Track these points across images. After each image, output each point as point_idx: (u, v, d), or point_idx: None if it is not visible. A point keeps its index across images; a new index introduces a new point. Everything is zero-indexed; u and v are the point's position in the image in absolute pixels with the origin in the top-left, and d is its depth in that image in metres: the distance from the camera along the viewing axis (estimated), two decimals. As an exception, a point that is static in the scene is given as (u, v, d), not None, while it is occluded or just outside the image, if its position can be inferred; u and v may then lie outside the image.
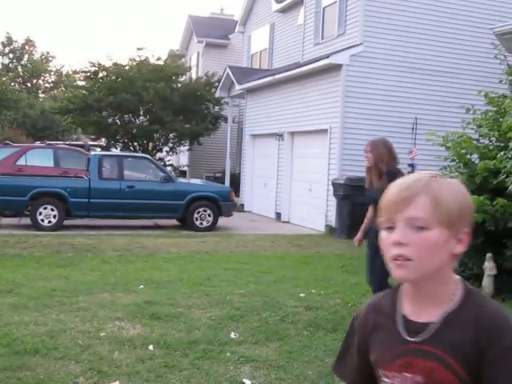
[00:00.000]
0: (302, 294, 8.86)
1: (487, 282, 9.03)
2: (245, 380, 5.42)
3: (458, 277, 1.80)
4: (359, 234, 7.59)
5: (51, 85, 71.17)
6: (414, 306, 1.78)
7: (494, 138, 10.03)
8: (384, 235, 1.74)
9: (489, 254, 9.05)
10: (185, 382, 5.35)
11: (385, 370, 1.79)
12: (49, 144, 22.23)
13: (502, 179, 8.76)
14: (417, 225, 1.68)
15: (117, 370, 5.58)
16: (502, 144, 9.60)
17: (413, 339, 1.73)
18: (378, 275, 6.68)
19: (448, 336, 1.70)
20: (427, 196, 1.69)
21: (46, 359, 5.80)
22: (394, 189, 1.74)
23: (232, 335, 6.70)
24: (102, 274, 10.22)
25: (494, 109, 10.11)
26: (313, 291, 9.15)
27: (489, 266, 9.01)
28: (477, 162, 9.92)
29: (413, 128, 11.93)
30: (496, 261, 9.02)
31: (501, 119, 9.77)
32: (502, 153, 8.83)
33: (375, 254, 6.57)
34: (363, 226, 7.58)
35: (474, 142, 10.06)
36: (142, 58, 27.72)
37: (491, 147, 9.98)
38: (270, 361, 5.93)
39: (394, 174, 6.20)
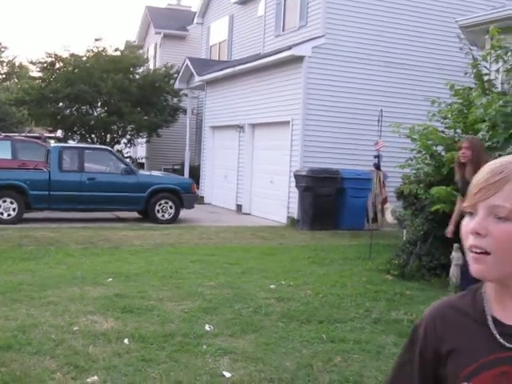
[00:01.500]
0: (272, 286, 8.85)
1: (454, 272, 9.11)
2: (224, 372, 5.39)
3: None
4: (450, 227, 7.91)
5: (3, 76, 70.01)
6: (506, 308, 1.54)
7: (459, 130, 10.12)
8: (465, 222, 1.56)
9: (456, 244, 9.10)
10: (164, 375, 5.29)
11: (470, 381, 1.52)
12: (6, 136, 21.89)
13: (469, 170, 8.84)
14: (499, 215, 1.48)
15: (94, 364, 5.51)
16: (468, 135, 9.68)
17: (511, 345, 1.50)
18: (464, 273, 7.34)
19: None
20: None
21: (20, 355, 5.70)
22: (485, 172, 1.54)
23: (207, 327, 6.66)
24: (68, 268, 10.08)
25: (460, 101, 10.20)
26: (282, 282, 9.15)
27: (456, 256, 9.08)
28: (443, 153, 10.01)
29: (378, 120, 11.97)
30: (463, 251, 9.11)
31: (465, 111, 9.87)
32: (469, 144, 8.89)
33: None
34: (453, 218, 7.84)
35: (440, 134, 10.15)
36: (100, 49, 27.37)
37: (457, 138, 10.07)
38: (248, 353, 5.91)
39: None
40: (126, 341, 6.15)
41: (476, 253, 1.49)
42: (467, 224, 1.53)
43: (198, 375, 5.31)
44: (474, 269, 1.50)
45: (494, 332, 1.52)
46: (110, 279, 9.08)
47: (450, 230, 7.94)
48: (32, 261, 10.75)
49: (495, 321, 1.54)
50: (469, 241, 1.51)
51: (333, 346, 6.17)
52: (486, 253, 1.47)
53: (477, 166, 7.30)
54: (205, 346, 6.05)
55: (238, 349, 6.02)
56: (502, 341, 1.50)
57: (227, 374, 5.35)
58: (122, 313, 7.17)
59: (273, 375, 5.38)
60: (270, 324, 6.92)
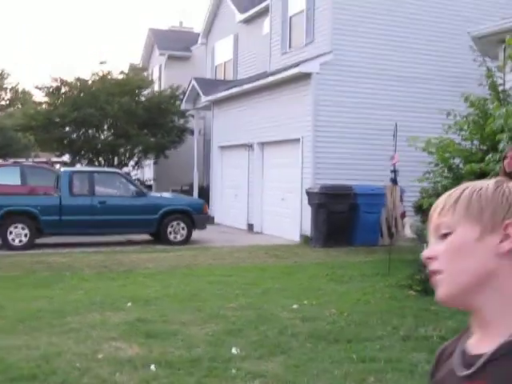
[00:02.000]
0: (294, 306, 8.71)
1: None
2: (257, 397, 5.26)
3: None
4: None
5: (7, 102, 70.17)
6: (477, 336, 1.43)
7: (476, 142, 10.02)
8: None
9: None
10: (196, 401, 5.16)
11: None
12: (15, 162, 21.85)
13: (491, 182, 8.72)
14: (442, 232, 1.41)
15: (122, 392, 5.38)
16: (486, 147, 9.59)
17: (463, 373, 1.38)
18: None
19: (499, 371, 1.32)
20: (448, 199, 1.43)
21: (46, 384, 5.57)
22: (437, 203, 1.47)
23: (234, 351, 6.52)
24: (86, 293, 9.96)
25: (476, 112, 10.10)
26: (305, 302, 9.00)
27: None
28: (460, 165, 9.91)
29: (394, 134, 11.87)
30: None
31: (482, 122, 9.78)
32: (489, 155, 8.80)
33: None
34: None
35: (457, 146, 10.06)
36: (105, 73, 27.38)
37: (474, 150, 9.98)
38: (279, 376, 5.78)
39: None
40: (152, 367, 6.01)
41: (433, 278, 1.42)
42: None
43: (231, 401, 5.18)
44: (436, 296, 1.42)
45: (454, 363, 1.43)
46: (129, 304, 8.94)
47: None
48: (47, 287, 10.62)
49: (464, 352, 1.44)
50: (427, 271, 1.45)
51: (364, 366, 6.03)
52: (439, 272, 1.40)
53: None
54: (234, 370, 5.91)
55: (268, 372, 5.88)
56: (458, 371, 1.40)
57: (261, 399, 5.22)
58: (145, 338, 7.03)
59: (307, 398, 5.25)
60: (297, 345, 6.78)
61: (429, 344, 6.75)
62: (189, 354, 6.43)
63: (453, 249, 1.38)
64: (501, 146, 8.49)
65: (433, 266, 1.40)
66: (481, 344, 1.38)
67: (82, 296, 9.69)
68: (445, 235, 1.40)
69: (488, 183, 1.42)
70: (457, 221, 1.39)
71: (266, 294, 9.70)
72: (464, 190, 1.41)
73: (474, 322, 1.43)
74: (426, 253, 1.42)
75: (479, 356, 1.35)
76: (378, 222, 15.40)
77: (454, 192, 1.43)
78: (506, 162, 7.42)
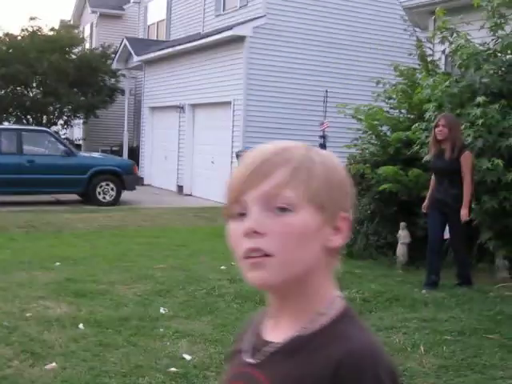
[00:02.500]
0: (222, 267, 8.83)
1: (401, 251, 9.25)
2: (184, 355, 5.37)
3: (337, 292, 1.37)
4: (426, 202, 7.99)
5: None
6: (273, 321, 1.33)
7: (404, 110, 10.26)
8: (232, 227, 1.28)
9: (402, 223, 9.27)
10: (124, 359, 5.24)
11: None
12: None
13: (416, 150, 8.97)
14: (277, 205, 1.21)
15: (51, 350, 5.42)
16: (413, 116, 9.83)
17: (250, 360, 1.30)
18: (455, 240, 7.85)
19: (285, 364, 1.24)
20: (290, 168, 1.21)
21: (-27, 342, 5.58)
22: (245, 162, 1.26)
23: (162, 310, 6.63)
24: (13, 252, 9.92)
25: (404, 81, 10.32)
26: (232, 263, 9.12)
27: (402, 235, 9.23)
28: (388, 133, 10.13)
29: (324, 101, 12.04)
30: (409, 229, 9.26)
31: (410, 91, 10.00)
32: (416, 124, 9.03)
33: (440, 216, 7.74)
34: (429, 194, 7.99)
35: (385, 114, 10.27)
36: (35, 29, 26.77)
37: (402, 119, 10.21)
38: (206, 335, 5.90)
39: (463, 148, 7.59)
40: (81, 326, 6.07)
41: (254, 257, 1.22)
42: (236, 229, 1.26)
43: (158, 359, 5.28)
44: (253, 277, 1.24)
45: (243, 345, 1.34)
46: (58, 263, 8.95)
47: (426, 205, 8.03)
48: (-27, 246, 10.54)
49: (257, 334, 1.34)
50: (244, 245, 1.23)
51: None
52: (267, 255, 1.21)
53: (453, 143, 7.53)
54: (162, 329, 6.02)
55: (196, 331, 6.01)
56: (245, 356, 1.31)
57: (187, 357, 5.33)
58: (74, 297, 7.07)
59: (232, 357, 5.38)
60: (224, 305, 6.92)
61: (352, 306, 6.95)
62: (117, 313, 6.51)
63: (292, 234, 1.21)
64: (427, 115, 8.73)
65: (258, 243, 1.21)
66: (274, 331, 1.30)
67: (10, 255, 9.65)
68: (282, 209, 1.21)
69: (321, 153, 1.29)
70: (300, 200, 1.21)
71: (195, 256, 9.83)
72: (298, 158, 1.23)
73: (273, 306, 1.32)
74: (251, 224, 1.21)
75: (269, 343, 1.28)
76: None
77: (283, 153, 1.24)
78: (437, 129, 7.65)
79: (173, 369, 5.06)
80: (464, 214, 7.53)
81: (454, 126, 7.62)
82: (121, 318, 6.30)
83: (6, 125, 23.61)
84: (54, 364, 5.12)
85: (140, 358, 5.30)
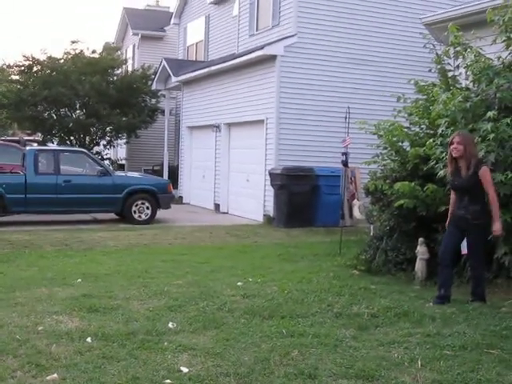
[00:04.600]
0: (239, 283, 8.96)
1: (420, 266, 9.28)
2: (182, 368, 5.49)
3: None
4: (448, 218, 8.07)
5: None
6: None
7: (424, 126, 10.29)
8: None
9: (421, 239, 9.30)
10: (122, 371, 5.38)
11: None
12: (-17, 140, 21.92)
13: (432, 165, 9.02)
14: None
15: (55, 362, 5.59)
16: (432, 131, 9.84)
17: None
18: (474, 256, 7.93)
19: None
20: None
21: (-17, 355, 5.79)
22: None
23: (170, 325, 6.76)
24: (40, 270, 10.20)
25: (424, 97, 10.36)
26: (250, 279, 9.27)
27: (421, 251, 9.26)
28: (408, 149, 10.16)
29: (345, 117, 12.12)
30: (428, 245, 9.27)
31: (430, 107, 10.02)
32: (431, 140, 9.07)
33: (458, 233, 7.82)
34: (450, 212, 8.08)
35: (405, 130, 10.31)
36: (77, 52, 27.40)
37: (421, 134, 10.23)
38: (207, 348, 6.02)
39: (480, 163, 7.62)
40: (88, 339, 6.23)
41: None
42: None
43: (156, 371, 5.40)
44: None
45: None
46: (79, 280, 9.18)
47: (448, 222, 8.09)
48: (5, 263, 10.86)
49: None
50: None
51: (292, 341, 6.28)
52: None
53: (468, 159, 7.58)
54: (166, 343, 6.14)
55: (198, 345, 6.12)
56: None
57: (184, 370, 5.45)
58: (87, 312, 7.25)
59: (229, 370, 5.48)
60: (232, 320, 7.02)
61: (359, 321, 7.02)
62: (126, 327, 6.66)
63: None
64: (439, 130, 8.76)
65: None
66: None
67: (36, 272, 9.92)
68: None
69: None
70: None
71: (215, 272, 9.96)
72: None
73: None
74: None
75: None
76: (339, 204, 15.67)
77: None
78: (452, 147, 7.69)
79: (167, 381, 5.17)
80: (497, 228, 7.53)
81: (468, 142, 7.66)
82: (128, 333, 6.44)
83: (44, 146, 24.13)
84: (55, 375, 5.28)
85: (138, 370, 5.43)
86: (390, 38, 18.30)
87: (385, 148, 10.56)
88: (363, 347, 6.10)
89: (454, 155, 7.73)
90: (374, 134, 10.66)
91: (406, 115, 10.65)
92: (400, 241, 9.84)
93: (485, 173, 7.53)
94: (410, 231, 9.75)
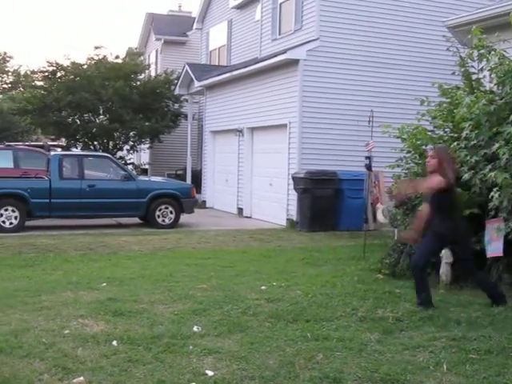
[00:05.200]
0: (263, 287, 8.99)
1: (444, 270, 9.23)
2: (207, 371, 5.52)
3: None
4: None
5: (9, 85, 70.24)
6: None
7: (448, 129, 10.25)
8: None
9: (445, 243, 9.24)
10: (148, 375, 5.42)
11: None
12: (8, 145, 22.12)
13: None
14: None
15: (81, 366, 5.65)
16: (456, 135, 9.80)
17: None
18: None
19: None
20: None
21: (11, 358, 5.84)
22: None
23: (195, 329, 6.79)
24: (65, 273, 10.28)
25: (448, 100, 10.32)
26: (274, 284, 9.28)
27: (445, 254, 9.20)
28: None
29: (369, 121, 12.11)
30: (452, 249, 9.22)
31: (454, 110, 9.98)
32: (455, 143, 9.03)
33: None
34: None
35: (429, 133, 10.28)
36: (100, 57, 27.59)
37: (445, 138, 10.19)
38: (232, 352, 6.04)
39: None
40: (114, 343, 6.28)
41: None
42: None
43: (181, 374, 5.44)
44: None
45: None
46: (104, 284, 9.24)
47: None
48: (30, 267, 10.97)
49: None
50: None
51: (316, 344, 6.29)
52: None
53: (443, 173, 7.52)
54: (191, 347, 6.18)
55: (223, 348, 6.15)
56: None
57: (210, 373, 5.48)
58: (112, 316, 7.30)
59: (255, 373, 5.50)
60: (256, 324, 7.05)
61: (383, 325, 7.02)
62: (151, 331, 6.70)
63: None
64: (463, 134, 8.73)
65: None
66: None
67: (61, 276, 10.00)
68: None
69: None
70: None
71: (239, 276, 9.97)
72: None
73: None
74: None
75: None
76: (363, 207, 15.64)
77: None
78: (426, 160, 7.76)
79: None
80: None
81: (442, 156, 7.64)
82: (153, 336, 6.49)
83: (68, 152, 24.32)
84: (81, 378, 5.33)
85: (164, 373, 5.47)
86: (414, 41, 18.25)
87: (408, 151, 10.53)
88: (388, 351, 6.10)
89: (428, 169, 7.81)
90: (398, 137, 10.65)
91: (429, 118, 10.62)
92: (424, 244, 9.78)
93: (438, 182, 7.60)
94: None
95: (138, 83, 27.90)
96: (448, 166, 7.59)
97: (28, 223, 16.41)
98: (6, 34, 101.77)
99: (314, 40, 17.44)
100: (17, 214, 16.00)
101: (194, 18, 29.61)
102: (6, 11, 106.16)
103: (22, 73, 66.25)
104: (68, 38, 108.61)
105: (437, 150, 7.77)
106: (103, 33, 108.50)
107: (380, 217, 12.43)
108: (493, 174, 8.03)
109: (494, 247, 8.32)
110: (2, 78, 70.49)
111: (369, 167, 12.31)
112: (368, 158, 12.24)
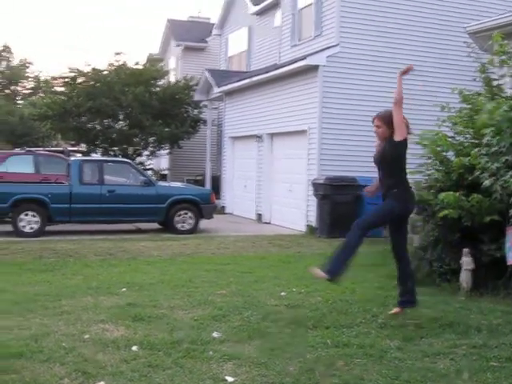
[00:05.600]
0: (283, 293, 8.98)
1: (465, 277, 9.19)
2: (227, 377, 5.51)
3: None
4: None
5: (30, 91, 70.73)
6: None
7: (468, 135, 10.20)
8: None
9: (466, 249, 9.19)
10: (168, 380, 5.42)
11: None
12: (29, 150, 22.26)
13: (477, 175, 8.94)
14: None
15: (101, 370, 5.66)
16: (477, 141, 9.76)
17: None
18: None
19: None
20: None
21: (31, 362, 5.86)
22: None
23: (215, 334, 6.79)
24: (85, 278, 10.31)
25: (469, 106, 10.27)
26: (293, 290, 9.27)
27: (466, 261, 9.16)
28: (453, 158, 10.08)
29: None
30: (473, 255, 9.17)
31: (475, 116, 9.94)
32: (476, 149, 8.99)
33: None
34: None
35: (450, 140, 10.22)
36: (120, 63, 27.73)
37: (466, 144, 10.14)
38: (252, 358, 6.03)
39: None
40: (134, 348, 6.29)
41: None
42: None
43: (201, 380, 5.44)
44: None
45: None
46: (124, 289, 9.26)
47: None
48: (50, 272, 11.01)
49: None
50: None
51: (336, 351, 6.27)
52: None
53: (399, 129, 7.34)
54: (211, 352, 6.17)
55: (243, 354, 6.14)
56: None
57: (229, 379, 5.47)
58: (132, 321, 7.32)
59: (275, 380, 5.49)
60: (276, 330, 7.03)
61: (404, 332, 6.98)
62: (171, 336, 6.70)
63: None
64: (484, 140, 8.69)
65: None
66: None
67: (81, 281, 10.04)
68: None
69: None
70: None
71: (258, 282, 9.96)
72: None
73: None
74: None
75: None
76: (382, 214, 15.58)
77: None
78: (374, 131, 7.66)
79: (213, 389, 5.22)
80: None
81: (389, 120, 7.47)
82: (173, 341, 6.49)
83: (88, 157, 24.44)
84: (101, 383, 5.35)
85: (184, 378, 5.47)
86: (435, 47, 18.20)
87: (429, 158, 10.48)
88: (408, 358, 6.07)
89: (380, 139, 7.66)
90: (418, 143, 10.59)
91: (450, 125, 10.57)
92: (445, 251, 9.74)
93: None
94: (455, 242, 9.64)
95: (158, 89, 27.99)
96: (401, 121, 7.39)
97: (48, 228, 16.48)
98: (25, 40, 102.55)
99: (333, 46, 17.44)
100: (37, 218, 16.10)
101: (213, 24, 29.75)
102: (24, 18, 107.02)
103: (42, 79, 66.74)
104: (89, 44, 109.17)
105: (380, 117, 7.59)
106: (124, 40, 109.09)
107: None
108: (514, 180, 7.99)
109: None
110: (23, 83, 71.01)
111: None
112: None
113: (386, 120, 7.37)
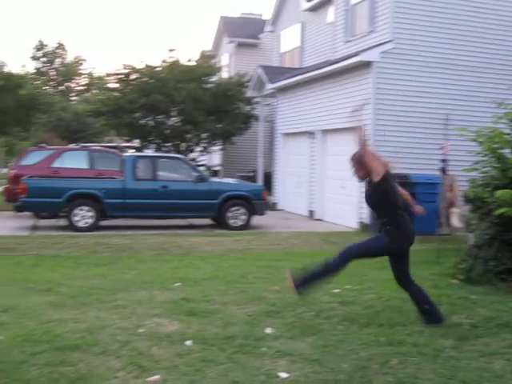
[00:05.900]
0: (336, 290, 8.94)
1: (522, 276, 9.05)
2: (280, 373, 5.52)
3: None
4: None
5: (84, 87, 71.77)
6: None
7: (528, 133, 10.04)
8: None
9: (522, 249, 9.07)
10: (222, 375, 5.46)
11: None
12: (83, 146, 22.57)
13: (535, 173, 8.79)
14: None
15: (156, 364, 5.72)
16: (536, 138, 9.60)
17: None
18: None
19: None
20: None
21: (87, 355, 5.95)
22: None
23: (268, 330, 6.81)
24: (139, 273, 10.43)
25: (526, 103, 10.11)
26: (347, 287, 9.23)
27: (523, 260, 9.03)
28: (509, 156, 9.94)
29: (444, 124, 11.95)
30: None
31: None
32: (533, 147, 8.84)
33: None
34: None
35: (506, 137, 10.07)
36: (174, 60, 27.91)
37: (524, 142, 9.98)
38: (306, 355, 6.03)
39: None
40: (188, 342, 6.34)
41: None
42: None
43: (255, 376, 5.46)
44: None
45: None
46: (178, 284, 9.34)
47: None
48: (105, 266, 11.16)
49: None
50: None
51: (390, 349, 6.23)
52: None
53: (374, 170, 7.03)
54: (264, 348, 6.19)
55: (296, 351, 6.14)
56: None
57: (283, 375, 5.48)
58: (186, 316, 7.38)
59: (328, 376, 5.48)
60: (329, 327, 7.02)
61: (459, 331, 6.91)
62: (224, 331, 6.74)
63: None
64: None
65: None
66: None
67: (135, 276, 10.15)
68: None
69: None
70: None
71: (311, 279, 9.94)
72: None
73: None
74: None
75: None
76: (436, 211, 15.41)
77: None
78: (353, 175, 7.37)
79: (267, 386, 5.23)
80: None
81: (361, 161, 7.16)
82: (227, 337, 6.53)
83: (142, 153, 24.67)
84: (156, 376, 5.40)
85: (238, 374, 5.50)
86: (490, 42, 17.91)
87: (485, 155, 10.33)
88: (464, 358, 6.00)
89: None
90: (474, 140, 10.46)
91: (507, 121, 10.41)
92: (500, 250, 9.60)
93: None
94: (511, 240, 9.51)
95: (211, 85, 28.10)
96: (370, 163, 7.01)
97: (101, 223, 16.69)
98: (79, 36, 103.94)
99: (387, 42, 17.27)
100: (91, 213, 16.33)
101: (265, 21, 29.71)
102: (79, 15, 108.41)
103: (96, 75, 67.64)
104: (143, 41, 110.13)
105: (353, 160, 7.31)
106: (178, 37, 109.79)
107: (455, 221, 12.23)
108: None
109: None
110: (77, 80, 72.08)
111: (444, 170, 12.14)
112: (443, 161, 12.06)
113: (358, 161, 7.17)
